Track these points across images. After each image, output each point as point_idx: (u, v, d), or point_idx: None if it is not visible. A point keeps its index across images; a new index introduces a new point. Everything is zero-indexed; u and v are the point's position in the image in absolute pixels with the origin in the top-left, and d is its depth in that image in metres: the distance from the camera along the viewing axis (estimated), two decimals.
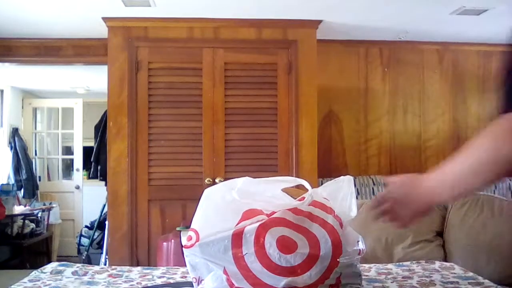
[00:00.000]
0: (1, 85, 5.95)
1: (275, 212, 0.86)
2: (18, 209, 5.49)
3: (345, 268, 0.82)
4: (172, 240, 3.07)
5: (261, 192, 0.90)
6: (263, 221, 0.81)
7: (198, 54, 3.65)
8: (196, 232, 0.82)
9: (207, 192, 0.91)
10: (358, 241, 0.90)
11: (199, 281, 0.86)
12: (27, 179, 6.03)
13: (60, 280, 1.05)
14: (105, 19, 3.62)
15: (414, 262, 1.19)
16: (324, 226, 0.84)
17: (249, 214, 0.84)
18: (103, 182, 4.70)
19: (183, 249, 0.84)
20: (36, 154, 6.73)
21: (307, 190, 0.95)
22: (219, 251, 0.80)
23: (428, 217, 2.90)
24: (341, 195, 0.97)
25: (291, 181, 1.00)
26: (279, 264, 0.78)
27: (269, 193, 0.90)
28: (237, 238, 0.80)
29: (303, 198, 0.89)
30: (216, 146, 3.62)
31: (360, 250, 0.89)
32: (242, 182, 0.92)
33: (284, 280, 0.77)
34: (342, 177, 1.03)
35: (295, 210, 0.86)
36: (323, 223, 0.85)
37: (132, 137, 3.62)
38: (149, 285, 1.02)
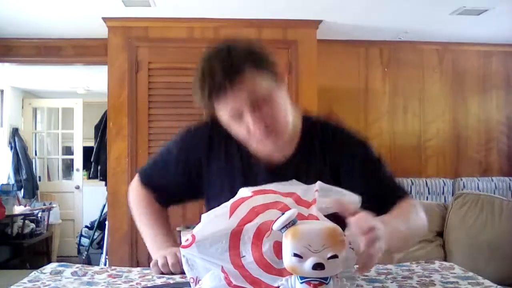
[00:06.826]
0: (1, 85, 5.95)
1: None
2: (18, 209, 5.48)
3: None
4: None
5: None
6: (261, 223, 0.81)
7: (198, 54, 3.61)
8: (193, 235, 0.82)
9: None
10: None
11: (197, 281, 0.86)
12: (27, 179, 6.03)
13: (60, 280, 1.05)
14: (105, 19, 3.62)
15: (414, 262, 1.19)
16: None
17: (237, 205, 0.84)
18: (103, 182, 4.70)
19: (180, 249, 0.84)
20: (36, 154, 6.73)
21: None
22: (216, 252, 0.80)
23: (428, 217, 2.91)
24: None
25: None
26: (275, 267, 0.79)
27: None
28: (235, 239, 0.80)
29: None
30: None
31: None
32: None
33: (279, 280, 0.78)
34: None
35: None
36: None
37: (132, 137, 3.62)
38: (149, 285, 1.02)
